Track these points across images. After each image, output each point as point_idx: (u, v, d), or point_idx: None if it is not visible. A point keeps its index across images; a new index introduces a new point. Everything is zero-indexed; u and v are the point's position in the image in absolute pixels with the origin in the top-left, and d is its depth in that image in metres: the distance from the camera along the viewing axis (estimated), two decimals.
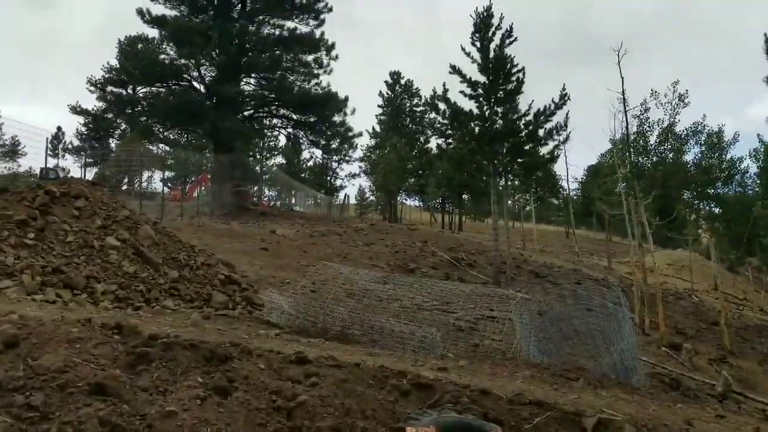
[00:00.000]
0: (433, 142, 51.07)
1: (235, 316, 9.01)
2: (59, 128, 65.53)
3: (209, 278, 11.04)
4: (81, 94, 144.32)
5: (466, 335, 9.92)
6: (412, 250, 24.55)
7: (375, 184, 60.55)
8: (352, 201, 76.65)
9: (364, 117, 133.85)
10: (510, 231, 23.61)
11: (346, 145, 41.16)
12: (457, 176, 54.51)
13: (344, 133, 37.59)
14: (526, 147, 22.99)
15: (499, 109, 22.48)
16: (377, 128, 66.21)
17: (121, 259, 9.88)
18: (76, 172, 58.05)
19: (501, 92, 22.23)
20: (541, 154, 24.45)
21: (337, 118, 37.15)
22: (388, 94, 67.27)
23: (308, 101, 34.47)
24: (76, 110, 59.77)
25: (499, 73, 21.72)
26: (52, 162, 56.28)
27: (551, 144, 23.00)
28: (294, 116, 36.80)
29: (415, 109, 66.88)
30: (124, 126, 57.55)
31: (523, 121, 22.25)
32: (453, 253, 25.02)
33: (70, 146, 63.80)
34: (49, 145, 63.54)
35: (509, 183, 25.15)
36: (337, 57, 36.03)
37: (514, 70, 21.80)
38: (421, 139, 65.13)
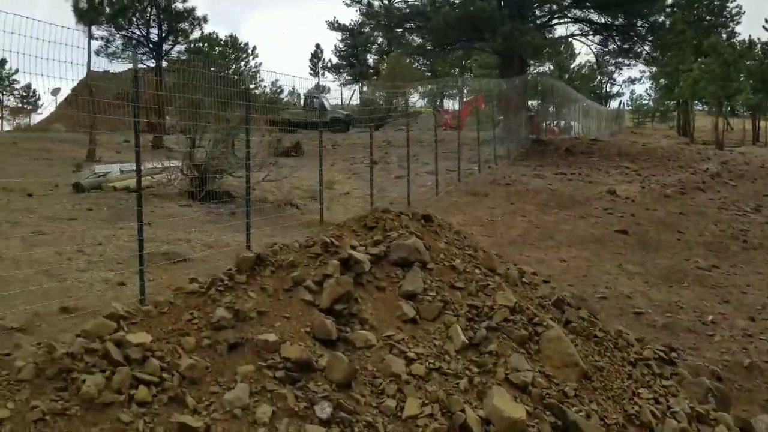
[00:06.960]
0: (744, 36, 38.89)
1: None
2: (317, 46, 63.87)
3: None
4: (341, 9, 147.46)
5: None
6: None
7: (674, 91, 49.85)
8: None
9: None
10: None
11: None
12: None
13: (668, 39, 27.97)
14: None
15: None
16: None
17: None
18: (335, 90, 55.73)
19: None
20: None
21: (659, 18, 28.08)
22: None
23: None
24: (334, 26, 57.10)
25: None
26: (310, 82, 54.49)
27: None
28: (600, 20, 28.27)
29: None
30: (380, 40, 53.51)
31: None
32: None
33: (329, 64, 61.97)
34: (309, 64, 62.53)
35: None
36: None
37: None
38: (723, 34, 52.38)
